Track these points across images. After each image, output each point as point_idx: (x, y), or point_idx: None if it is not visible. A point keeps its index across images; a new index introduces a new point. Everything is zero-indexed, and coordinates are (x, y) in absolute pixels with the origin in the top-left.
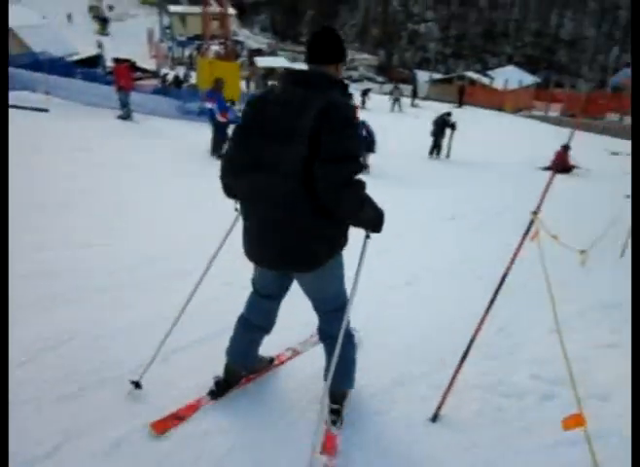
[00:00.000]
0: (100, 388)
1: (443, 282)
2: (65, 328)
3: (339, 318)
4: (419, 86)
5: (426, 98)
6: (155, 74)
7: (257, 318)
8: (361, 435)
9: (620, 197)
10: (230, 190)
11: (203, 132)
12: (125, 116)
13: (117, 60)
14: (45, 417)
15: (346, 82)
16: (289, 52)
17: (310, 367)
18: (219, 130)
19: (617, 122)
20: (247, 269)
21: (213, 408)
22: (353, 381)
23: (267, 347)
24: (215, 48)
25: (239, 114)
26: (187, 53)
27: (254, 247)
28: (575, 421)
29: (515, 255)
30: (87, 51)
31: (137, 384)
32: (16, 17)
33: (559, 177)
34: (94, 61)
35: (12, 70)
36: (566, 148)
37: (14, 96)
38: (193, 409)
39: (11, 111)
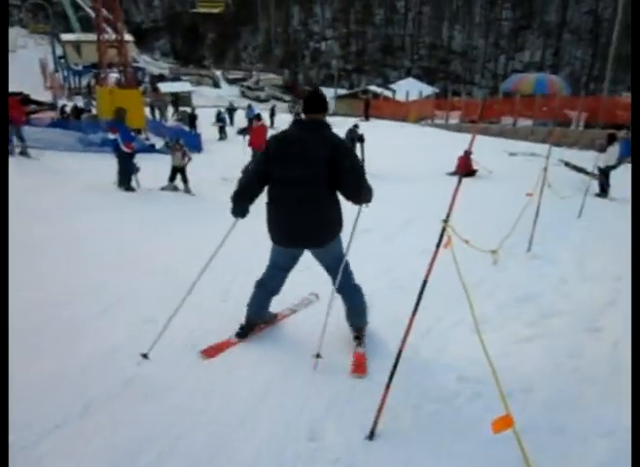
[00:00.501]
0: None
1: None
2: None
3: (347, 275)
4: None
5: (334, 114)
6: (51, 106)
7: (272, 285)
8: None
9: (521, 194)
10: (246, 195)
11: (108, 164)
12: (21, 151)
13: (8, 94)
14: None
15: (255, 103)
16: (193, 75)
17: (302, 320)
18: (125, 161)
19: (511, 125)
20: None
21: (239, 345)
22: (366, 319)
23: (273, 307)
24: (114, 75)
25: (147, 142)
26: (84, 82)
27: (284, 235)
28: (503, 423)
29: (432, 263)
30: None
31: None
32: None
33: (465, 181)
34: None
35: None
36: (467, 153)
37: None
38: (227, 345)
39: None
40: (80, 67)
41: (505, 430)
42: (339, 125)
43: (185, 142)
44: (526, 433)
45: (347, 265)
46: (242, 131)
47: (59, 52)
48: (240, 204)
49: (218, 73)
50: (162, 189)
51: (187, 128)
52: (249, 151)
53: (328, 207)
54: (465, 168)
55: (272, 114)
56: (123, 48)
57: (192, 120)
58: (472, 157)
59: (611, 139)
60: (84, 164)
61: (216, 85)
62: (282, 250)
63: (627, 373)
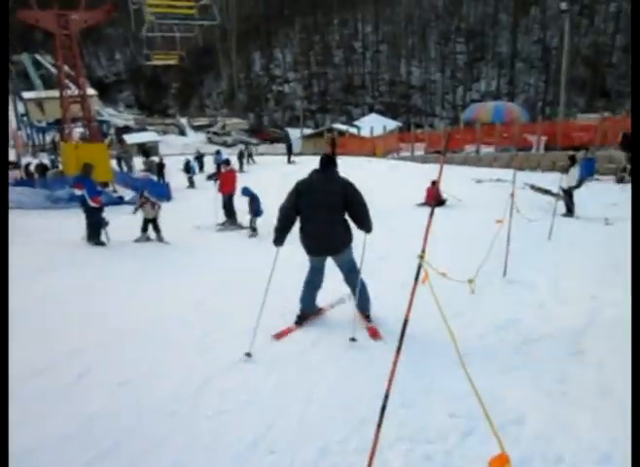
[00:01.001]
0: None
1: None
2: None
3: (356, 274)
4: (293, 142)
5: (300, 154)
6: (15, 165)
7: (317, 281)
8: None
9: (491, 221)
10: (285, 228)
11: (76, 219)
12: None
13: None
14: None
15: (222, 148)
16: (158, 125)
17: (338, 312)
18: (93, 216)
19: (474, 152)
20: None
21: (297, 330)
22: (370, 306)
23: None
24: (79, 130)
25: (115, 195)
26: (48, 138)
27: (316, 248)
28: (499, 462)
29: (411, 300)
30: None
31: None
32: None
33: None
34: None
35: None
36: (435, 183)
37: None
38: (289, 330)
39: None
40: (43, 124)
41: None
42: (307, 164)
43: (153, 192)
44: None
45: (357, 269)
46: (212, 177)
47: (21, 109)
48: (281, 236)
49: (183, 121)
50: (136, 241)
51: (155, 178)
52: (219, 197)
53: (342, 226)
54: (434, 199)
55: (241, 157)
56: (86, 102)
57: (159, 169)
58: (440, 186)
59: (572, 161)
60: (52, 221)
61: (182, 133)
62: (312, 258)
63: (616, 394)
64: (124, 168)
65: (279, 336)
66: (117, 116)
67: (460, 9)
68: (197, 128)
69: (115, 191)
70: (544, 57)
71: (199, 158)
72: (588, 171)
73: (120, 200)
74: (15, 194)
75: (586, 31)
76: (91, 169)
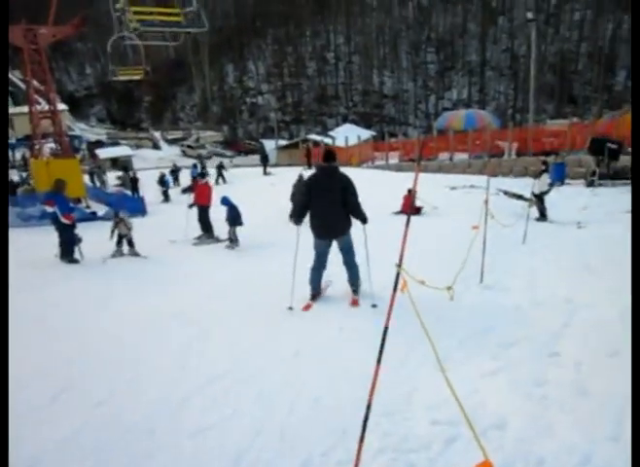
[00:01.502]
0: None
1: (328, 349)
2: None
3: (352, 254)
4: (268, 153)
5: (276, 165)
6: None
7: (322, 263)
8: None
9: (467, 227)
10: (301, 212)
11: (49, 237)
12: None
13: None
14: None
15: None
16: (132, 139)
17: (339, 287)
18: (65, 233)
19: (448, 160)
20: None
21: (315, 304)
22: (360, 281)
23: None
24: (50, 146)
25: (88, 210)
26: (18, 155)
27: (323, 231)
28: None
29: (390, 308)
30: None
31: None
32: None
33: (412, 219)
34: None
35: None
36: (411, 191)
37: None
38: (310, 305)
39: None
40: (13, 140)
41: None
42: (283, 175)
43: (128, 207)
44: None
45: (354, 252)
46: (187, 190)
47: None
48: (298, 218)
49: (157, 134)
50: (112, 256)
51: (129, 193)
52: (194, 211)
53: (343, 214)
54: (410, 207)
55: (220, 170)
56: (56, 117)
57: (134, 183)
58: (416, 194)
59: (545, 166)
60: (24, 240)
61: (156, 146)
62: (321, 241)
63: (593, 395)
64: (97, 183)
65: (306, 308)
66: (89, 130)
67: (430, 19)
68: (172, 142)
69: (88, 206)
70: (512, 65)
71: (175, 171)
72: (559, 176)
73: (93, 216)
74: None
75: (553, 39)
76: (63, 185)
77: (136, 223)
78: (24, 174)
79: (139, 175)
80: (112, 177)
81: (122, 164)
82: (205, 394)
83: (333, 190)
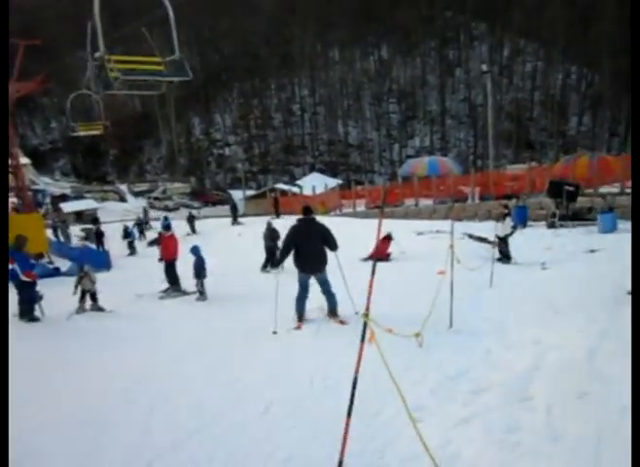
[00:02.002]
0: None
1: (298, 402)
2: None
3: (329, 286)
4: (237, 204)
5: (243, 215)
6: None
7: (304, 295)
8: None
9: (433, 272)
10: (286, 256)
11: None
12: None
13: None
14: None
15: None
16: (97, 192)
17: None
18: (25, 291)
19: (414, 206)
20: None
21: (304, 326)
22: (337, 306)
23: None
24: (12, 201)
25: (50, 266)
26: None
27: (307, 267)
28: None
29: (359, 361)
30: None
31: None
32: None
33: (381, 265)
34: None
35: None
36: (387, 238)
37: None
38: (301, 325)
39: None
40: None
41: None
42: (250, 226)
43: (93, 261)
44: None
45: (329, 283)
46: (152, 243)
47: None
48: (282, 261)
49: (123, 187)
50: (77, 313)
51: (94, 246)
52: (161, 264)
53: (323, 254)
54: (382, 253)
55: (191, 220)
56: (19, 172)
57: (98, 237)
58: (393, 240)
59: (506, 209)
60: None
61: (122, 199)
62: (304, 275)
63: (567, 440)
64: (61, 238)
65: (298, 327)
66: (53, 184)
67: (391, 72)
68: (138, 194)
69: (51, 262)
70: (471, 114)
71: (140, 224)
72: (521, 218)
73: (56, 272)
74: None
75: (507, 89)
76: (24, 242)
77: (101, 277)
78: None
79: (104, 228)
80: (77, 230)
81: (91, 216)
82: (170, 460)
83: (313, 236)
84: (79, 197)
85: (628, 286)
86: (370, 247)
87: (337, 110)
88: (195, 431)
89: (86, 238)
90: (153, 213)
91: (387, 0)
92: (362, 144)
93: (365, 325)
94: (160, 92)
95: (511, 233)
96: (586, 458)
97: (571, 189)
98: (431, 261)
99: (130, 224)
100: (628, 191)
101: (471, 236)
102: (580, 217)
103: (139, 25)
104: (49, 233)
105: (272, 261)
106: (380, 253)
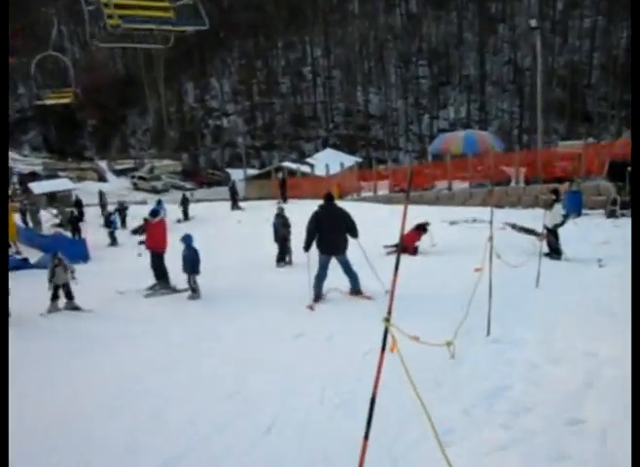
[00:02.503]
0: None
1: (306, 421)
2: None
3: (350, 267)
4: (237, 185)
5: (245, 199)
6: None
7: (323, 276)
8: None
9: (469, 269)
10: (311, 240)
11: None
12: None
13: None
14: None
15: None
16: (73, 170)
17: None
18: None
19: (446, 189)
20: None
21: (317, 306)
22: (359, 286)
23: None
24: None
25: (18, 256)
26: None
27: (329, 249)
28: None
29: (378, 375)
30: None
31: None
32: None
33: (407, 260)
34: None
35: None
36: (420, 227)
37: None
38: (313, 305)
39: None
40: None
41: None
42: (252, 211)
43: (68, 252)
44: None
45: (349, 263)
46: (137, 231)
47: None
48: (309, 245)
49: (103, 164)
50: (48, 312)
51: (68, 234)
52: (147, 253)
53: (343, 238)
54: (411, 244)
55: (185, 204)
56: None
57: (74, 223)
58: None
59: (555, 195)
60: None
61: (102, 178)
62: (325, 257)
63: None
64: (30, 223)
65: (310, 306)
66: (21, 161)
67: (420, 28)
68: (120, 173)
69: (18, 252)
70: (516, 79)
71: (121, 210)
72: (575, 206)
73: (24, 263)
74: None
75: (561, 50)
76: None
77: (78, 271)
78: None
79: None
80: (49, 215)
81: (75, 199)
82: None
83: (333, 221)
84: (51, 175)
85: None
86: (394, 238)
87: (356, 74)
88: (185, 452)
89: (60, 225)
90: (137, 195)
91: None
92: (385, 115)
93: (386, 331)
94: (167, 46)
95: (561, 224)
96: None
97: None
98: (466, 255)
99: (112, 208)
100: None
101: (514, 227)
102: None
103: None
104: (16, 218)
105: (287, 251)
106: (408, 243)
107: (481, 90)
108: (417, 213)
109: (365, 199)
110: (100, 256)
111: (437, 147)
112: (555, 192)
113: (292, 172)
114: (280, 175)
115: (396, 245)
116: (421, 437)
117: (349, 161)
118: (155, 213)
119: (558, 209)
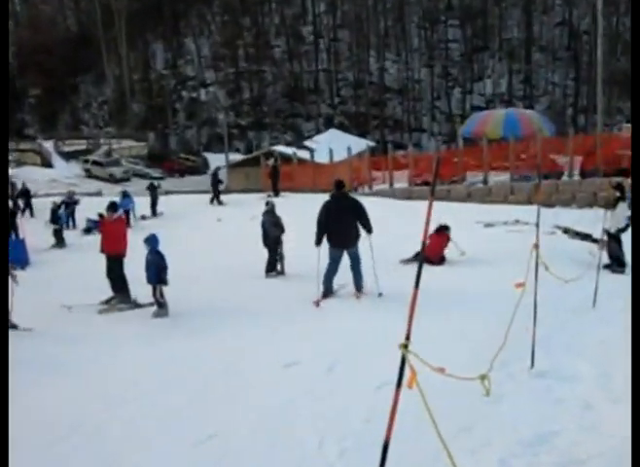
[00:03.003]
0: None
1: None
2: None
3: (359, 261)
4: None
5: (228, 191)
6: None
7: (335, 270)
8: None
9: (508, 284)
10: (322, 233)
11: None
12: None
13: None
14: None
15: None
16: (9, 152)
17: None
18: None
19: (480, 183)
20: None
21: (324, 302)
22: (363, 283)
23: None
24: None
25: None
26: None
27: (340, 242)
28: None
29: (393, 415)
30: None
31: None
32: None
33: (431, 271)
34: None
35: None
36: (442, 229)
37: None
38: (319, 301)
39: None
40: None
41: None
42: (235, 207)
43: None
44: None
45: (360, 260)
46: (90, 230)
47: None
48: (320, 239)
49: (48, 145)
50: None
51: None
52: (103, 259)
53: (355, 230)
54: (437, 253)
55: (153, 192)
56: None
57: (11, 218)
58: (448, 235)
59: (619, 192)
60: None
61: (46, 163)
62: (336, 250)
63: None
64: None
65: (317, 302)
66: None
67: None
68: (70, 156)
69: None
70: (571, 45)
71: (69, 204)
72: None
73: None
74: None
75: (627, 8)
76: None
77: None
78: None
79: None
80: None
81: (22, 188)
82: None
83: (344, 212)
84: None
85: None
86: (416, 244)
87: (369, 36)
88: None
89: None
90: (91, 185)
91: None
92: (405, 88)
93: (403, 360)
94: None
95: (626, 228)
96: None
97: None
98: (505, 267)
99: (58, 201)
100: None
101: (566, 231)
102: None
103: None
104: None
105: (279, 257)
106: (432, 253)
107: (527, 59)
108: (444, 211)
109: (378, 194)
110: (42, 260)
111: (470, 129)
112: (619, 187)
113: (286, 158)
114: (271, 162)
115: (417, 254)
116: None
117: (359, 145)
118: (113, 207)
119: (623, 209)
